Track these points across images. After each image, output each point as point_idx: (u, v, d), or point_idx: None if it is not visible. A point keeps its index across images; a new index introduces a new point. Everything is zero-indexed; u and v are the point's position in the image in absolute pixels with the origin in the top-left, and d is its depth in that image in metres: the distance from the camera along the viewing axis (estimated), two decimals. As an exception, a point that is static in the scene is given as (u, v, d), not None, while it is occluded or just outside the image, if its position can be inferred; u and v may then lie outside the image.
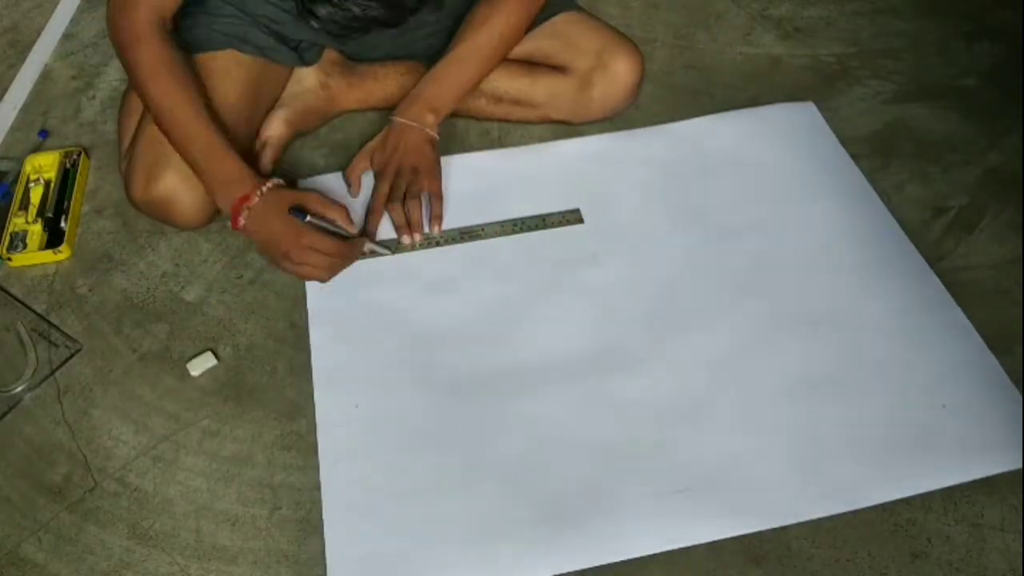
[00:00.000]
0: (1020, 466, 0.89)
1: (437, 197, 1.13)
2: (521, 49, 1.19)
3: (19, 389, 1.01)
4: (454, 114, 1.22)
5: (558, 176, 1.19)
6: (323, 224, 1.04)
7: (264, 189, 1.02)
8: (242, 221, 1.02)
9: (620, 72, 1.20)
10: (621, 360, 1.00)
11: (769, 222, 1.13)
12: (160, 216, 1.11)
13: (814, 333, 1.01)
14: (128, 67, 1.04)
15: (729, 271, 1.08)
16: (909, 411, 0.94)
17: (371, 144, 1.18)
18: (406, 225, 1.11)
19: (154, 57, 1.02)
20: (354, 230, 1.08)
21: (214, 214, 1.13)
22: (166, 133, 1.03)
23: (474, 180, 1.19)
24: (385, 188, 1.13)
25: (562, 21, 1.21)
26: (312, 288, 1.08)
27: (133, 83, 1.07)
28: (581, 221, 1.14)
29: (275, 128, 1.21)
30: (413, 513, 0.89)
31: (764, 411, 0.95)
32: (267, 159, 1.19)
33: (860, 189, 1.17)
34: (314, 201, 1.04)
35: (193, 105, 1.02)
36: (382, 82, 1.26)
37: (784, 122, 1.26)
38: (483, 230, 1.14)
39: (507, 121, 1.26)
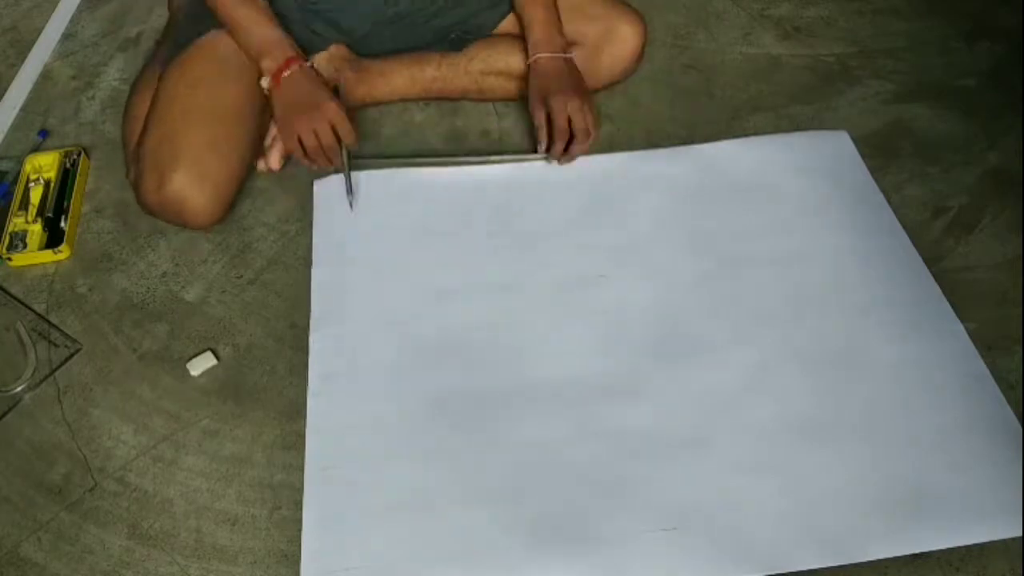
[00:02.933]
0: (1019, 534, 0.85)
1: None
2: None
3: (19, 389, 1.01)
4: (464, 97, 1.28)
5: (577, 191, 1.17)
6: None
7: (309, 62, 1.15)
8: (286, 74, 1.11)
9: (626, 38, 1.24)
10: (620, 386, 0.97)
11: (788, 254, 1.09)
12: (173, 217, 1.12)
13: (823, 374, 0.97)
14: None
15: (740, 302, 1.04)
16: (913, 466, 0.89)
17: (534, 93, 1.17)
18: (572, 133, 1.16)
19: None
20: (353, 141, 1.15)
21: (225, 212, 1.13)
22: (220, 16, 1.14)
23: (495, 193, 1.18)
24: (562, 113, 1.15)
25: None
26: (317, 292, 1.07)
27: None
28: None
29: None
30: (396, 529, 0.87)
31: (763, 452, 0.91)
32: (276, 154, 1.20)
33: (887, 225, 1.12)
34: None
35: None
36: (388, 76, 1.26)
37: (814, 150, 1.21)
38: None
39: (521, 96, 1.26)
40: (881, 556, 0.84)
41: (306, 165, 1.16)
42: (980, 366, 0.97)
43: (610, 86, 1.29)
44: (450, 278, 1.08)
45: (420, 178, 1.19)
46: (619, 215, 1.15)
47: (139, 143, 1.13)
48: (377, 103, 1.29)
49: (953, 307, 1.04)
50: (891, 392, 0.96)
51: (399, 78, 1.26)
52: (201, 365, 1.02)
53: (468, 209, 1.16)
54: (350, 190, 1.15)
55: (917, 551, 0.84)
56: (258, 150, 1.19)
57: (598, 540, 0.86)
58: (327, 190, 1.18)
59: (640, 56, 1.27)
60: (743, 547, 0.85)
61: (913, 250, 1.09)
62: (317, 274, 1.09)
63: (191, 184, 1.08)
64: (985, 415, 0.94)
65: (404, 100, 1.27)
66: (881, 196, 1.15)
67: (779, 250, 1.09)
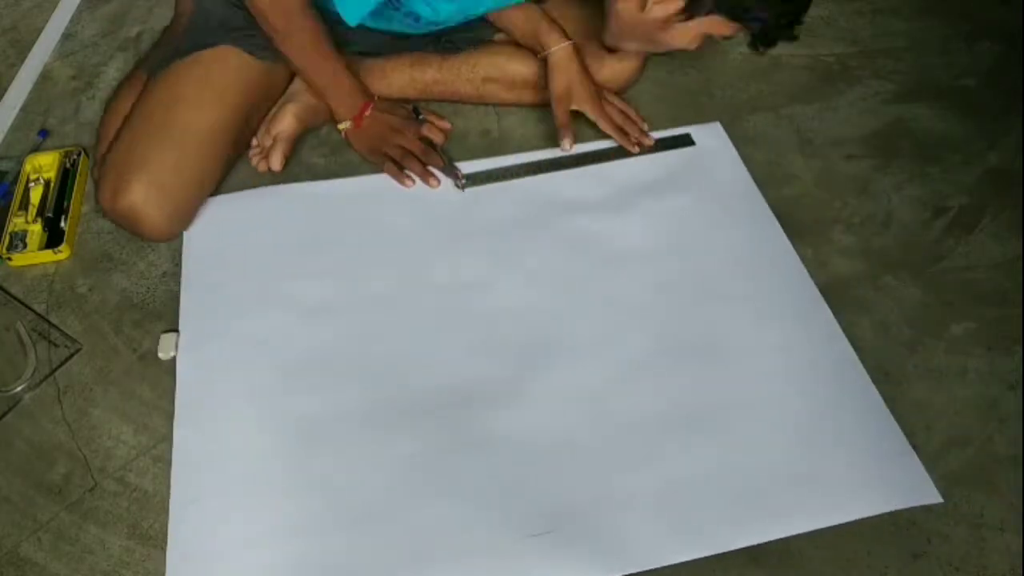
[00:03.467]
0: (898, 508, 0.87)
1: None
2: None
3: (19, 389, 1.01)
4: (463, 101, 1.29)
5: (449, 200, 1.17)
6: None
7: (377, 100, 1.20)
8: (365, 118, 1.17)
9: (630, 51, 1.21)
10: (494, 394, 0.96)
11: (660, 251, 1.10)
12: (128, 227, 1.11)
13: (695, 367, 0.98)
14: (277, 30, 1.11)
15: (614, 301, 1.05)
16: (783, 450, 0.91)
17: (556, 91, 1.19)
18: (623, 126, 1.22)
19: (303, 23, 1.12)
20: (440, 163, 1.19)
21: (182, 228, 1.13)
22: (297, 67, 1.17)
23: (366, 205, 1.17)
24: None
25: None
26: (184, 318, 1.05)
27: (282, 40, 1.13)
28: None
29: (285, 124, 1.21)
30: (268, 560, 0.85)
31: (636, 448, 0.92)
32: (278, 155, 1.20)
33: (760, 216, 1.14)
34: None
35: (324, 41, 1.14)
36: (389, 77, 1.26)
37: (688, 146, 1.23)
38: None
39: (519, 105, 1.28)
40: (753, 542, 0.85)
41: (406, 182, 1.18)
42: (846, 347, 1.00)
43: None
44: (320, 294, 1.06)
45: (288, 193, 1.18)
46: (494, 223, 1.14)
47: (109, 147, 1.13)
48: None
49: (953, 307, 1.04)
50: (760, 379, 0.98)
51: (399, 78, 1.26)
52: (168, 346, 1.02)
53: (338, 223, 1.15)
54: (459, 175, 1.19)
55: (788, 534, 0.86)
56: (227, 172, 1.19)
57: (475, 551, 0.85)
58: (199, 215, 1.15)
59: (641, 70, 1.27)
60: (618, 545, 0.85)
61: (784, 239, 1.11)
62: (184, 300, 1.07)
63: (148, 200, 1.07)
64: (850, 396, 0.96)
65: (404, 100, 1.27)
66: (755, 187, 1.17)
67: (652, 248, 1.11)
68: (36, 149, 1.28)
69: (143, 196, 1.07)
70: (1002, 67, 1.34)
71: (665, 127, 1.26)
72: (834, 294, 1.06)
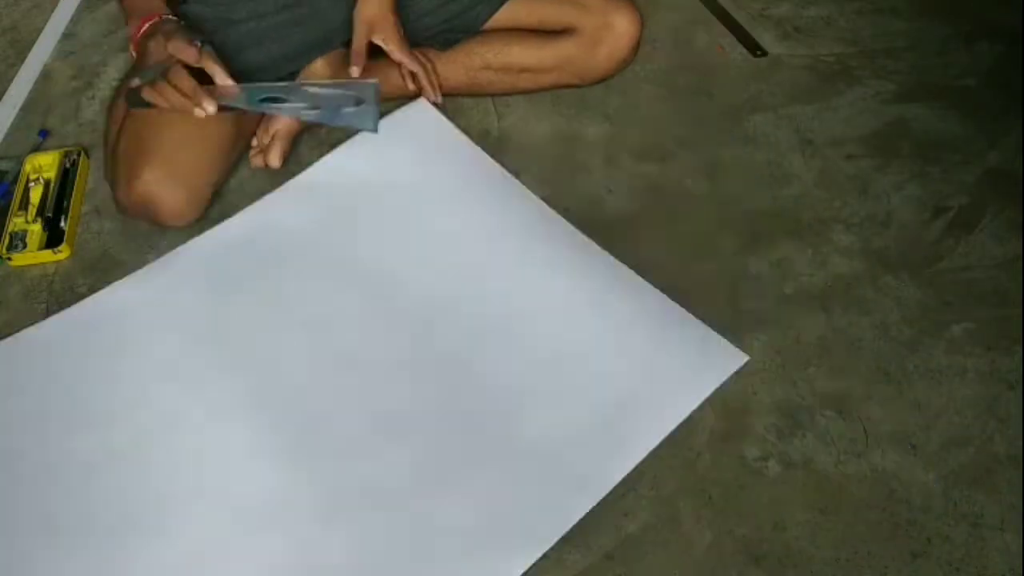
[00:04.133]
0: (717, 384, 0.96)
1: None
2: (532, 17, 1.24)
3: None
4: (457, 92, 1.27)
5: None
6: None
7: (167, 16, 1.08)
8: (143, 29, 1.07)
9: (624, 28, 1.23)
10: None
11: (408, 241, 1.11)
12: (147, 215, 1.12)
13: (490, 340, 1.01)
14: None
15: (406, 312, 1.04)
16: (609, 382, 0.97)
17: (361, 16, 1.18)
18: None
19: None
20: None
21: (200, 212, 1.14)
22: None
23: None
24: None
25: None
26: None
27: None
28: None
29: (283, 121, 1.21)
30: None
31: (451, 456, 0.92)
32: (276, 152, 1.20)
33: (495, 178, 1.16)
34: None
35: None
36: (384, 71, 1.25)
37: (400, 130, 1.20)
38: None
39: (515, 91, 1.28)
40: (624, 474, 0.90)
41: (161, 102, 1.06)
42: (611, 261, 1.06)
43: (605, 79, 1.29)
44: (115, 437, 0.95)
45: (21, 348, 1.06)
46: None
47: (115, 144, 1.13)
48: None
49: (952, 307, 1.04)
50: (554, 323, 1.02)
51: (394, 73, 1.26)
52: None
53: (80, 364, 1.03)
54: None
55: (647, 452, 0.92)
56: (240, 149, 1.20)
57: None
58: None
59: (636, 47, 1.28)
60: (527, 523, 0.88)
61: (521, 187, 1.15)
62: None
63: (161, 181, 1.08)
64: (638, 305, 1.03)
65: (401, 96, 1.27)
66: (478, 150, 1.19)
67: (399, 239, 1.11)
68: (36, 149, 1.28)
69: (156, 179, 1.08)
70: (1002, 67, 1.33)
71: (665, 127, 1.27)
72: (834, 294, 1.06)
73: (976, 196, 1.17)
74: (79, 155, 1.24)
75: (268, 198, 1.16)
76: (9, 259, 1.13)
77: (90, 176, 1.25)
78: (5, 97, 1.38)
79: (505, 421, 0.95)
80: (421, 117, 1.22)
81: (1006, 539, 0.86)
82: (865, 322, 1.04)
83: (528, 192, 1.15)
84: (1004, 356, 0.99)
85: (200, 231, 1.14)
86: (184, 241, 1.15)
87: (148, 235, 1.16)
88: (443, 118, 1.22)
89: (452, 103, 1.29)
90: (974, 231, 1.13)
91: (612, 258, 1.07)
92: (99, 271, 1.13)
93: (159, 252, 1.14)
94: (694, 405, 0.95)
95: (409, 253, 1.10)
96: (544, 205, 1.13)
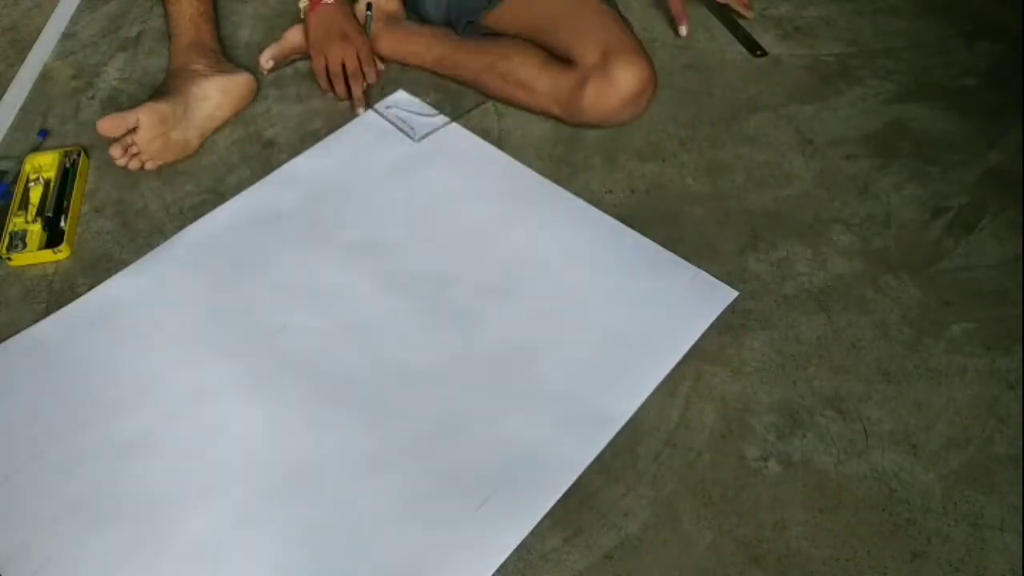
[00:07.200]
0: (711, 320, 1.02)
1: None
2: (530, 14, 1.23)
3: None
4: (463, 82, 1.31)
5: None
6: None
7: None
8: (325, 6, 1.27)
9: (618, 79, 1.15)
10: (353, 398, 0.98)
11: (409, 212, 1.16)
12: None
13: (514, 303, 1.06)
14: None
15: (416, 278, 1.09)
16: (608, 327, 1.03)
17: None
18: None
19: None
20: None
21: None
22: None
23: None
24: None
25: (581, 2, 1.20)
26: None
27: None
28: None
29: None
30: None
31: (475, 402, 0.97)
32: (268, 55, 1.34)
33: (486, 152, 1.22)
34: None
35: None
36: (414, 37, 1.33)
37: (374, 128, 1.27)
38: None
39: (511, 102, 1.28)
40: (633, 410, 0.95)
41: (325, 90, 1.29)
42: (605, 218, 1.13)
43: (594, 127, 1.22)
44: (121, 430, 0.96)
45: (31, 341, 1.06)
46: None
47: None
48: (396, 60, 1.35)
49: (952, 307, 1.04)
50: (561, 283, 1.08)
51: (420, 40, 1.32)
52: None
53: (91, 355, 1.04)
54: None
55: (655, 385, 0.97)
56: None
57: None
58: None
59: (637, 104, 1.18)
60: (546, 472, 0.91)
61: (516, 163, 1.20)
62: None
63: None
64: (627, 254, 1.10)
65: (420, 67, 1.33)
66: (450, 121, 1.26)
67: (422, 226, 1.16)
68: (36, 149, 1.28)
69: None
70: (1002, 67, 1.34)
71: (665, 127, 1.27)
72: (834, 294, 1.07)
73: (976, 196, 1.17)
74: (79, 155, 1.24)
75: (254, 187, 1.20)
76: (9, 259, 1.13)
77: (90, 176, 1.25)
78: (5, 97, 1.38)
79: (520, 369, 1.00)
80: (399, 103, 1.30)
81: (1006, 539, 0.86)
82: (865, 322, 1.04)
83: (516, 163, 1.20)
84: (1004, 356, 0.99)
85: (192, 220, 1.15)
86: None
87: (148, 235, 1.17)
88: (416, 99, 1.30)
89: (452, 103, 1.30)
90: (974, 231, 1.13)
91: (605, 215, 1.14)
92: (99, 271, 1.13)
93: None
94: (692, 339, 1.01)
95: (410, 224, 1.15)
96: (534, 174, 1.19)
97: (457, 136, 1.25)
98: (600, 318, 1.05)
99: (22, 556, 0.87)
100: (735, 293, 1.05)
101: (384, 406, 0.97)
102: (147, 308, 1.07)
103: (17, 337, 1.06)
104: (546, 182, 1.18)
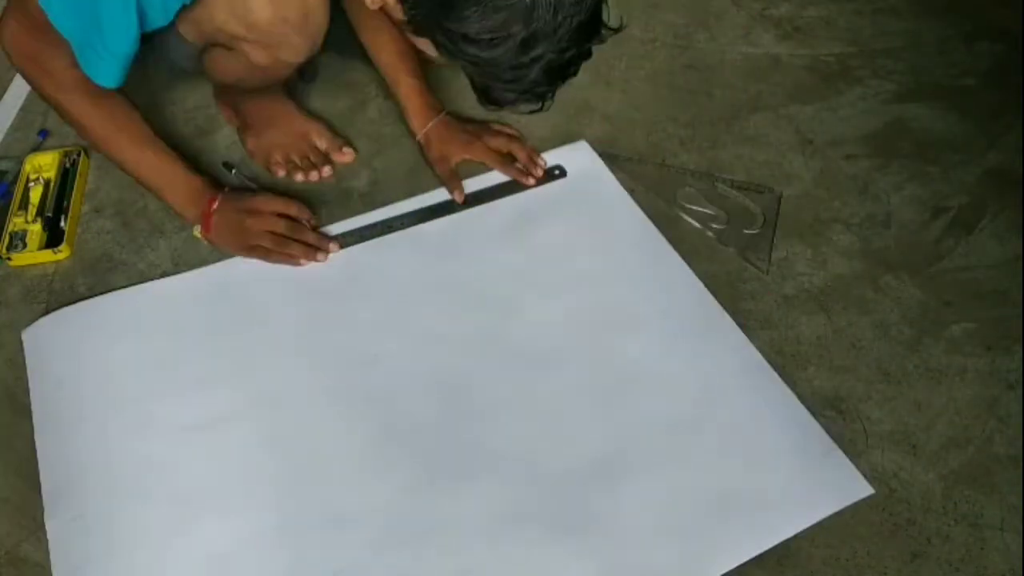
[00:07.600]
0: (834, 511, 0.87)
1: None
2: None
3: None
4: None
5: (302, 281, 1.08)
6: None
7: (225, 191, 1.09)
8: (215, 214, 1.08)
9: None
10: (422, 468, 0.91)
11: (556, 287, 1.06)
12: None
13: (615, 405, 0.95)
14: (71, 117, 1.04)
15: (519, 350, 1.00)
16: (724, 475, 0.90)
17: (432, 157, 1.20)
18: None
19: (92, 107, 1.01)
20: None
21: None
22: (117, 162, 1.08)
23: (215, 297, 1.07)
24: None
25: None
26: (45, 464, 0.93)
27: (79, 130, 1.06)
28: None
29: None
30: None
31: (571, 507, 0.87)
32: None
33: (646, 234, 1.12)
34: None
35: (142, 133, 1.06)
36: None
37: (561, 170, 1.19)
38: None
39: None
40: (727, 569, 0.83)
41: (295, 263, 1.08)
42: (754, 355, 0.99)
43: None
44: (192, 411, 0.95)
45: (137, 298, 1.07)
46: (378, 286, 1.07)
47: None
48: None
49: (952, 307, 1.04)
50: (684, 407, 0.95)
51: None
52: None
53: (204, 322, 1.04)
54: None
55: (736, 564, 0.83)
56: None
57: None
58: (39, 336, 1.04)
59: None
60: None
61: (675, 254, 1.09)
62: (40, 443, 0.95)
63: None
64: (774, 408, 0.95)
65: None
66: (631, 201, 1.15)
67: (551, 287, 1.06)
68: (36, 149, 1.28)
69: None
70: (1002, 67, 1.34)
71: (666, 127, 1.27)
72: (834, 294, 1.07)
73: (976, 196, 1.17)
74: (79, 155, 1.24)
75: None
76: (9, 259, 1.13)
77: (90, 176, 1.25)
78: (5, 97, 1.37)
79: (605, 485, 0.89)
80: (583, 162, 1.21)
81: (1006, 539, 0.86)
82: (865, 322, 1.04)
83: (677, 258, 1.09)
84: (1004, 356, 1.00)
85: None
86: (185, 242, 1.15)
87: (148, 235, 1.16)
88: (601, 163, 1.20)
89: (452, 103, 1.29)
90: (974, 231, 1.13)
91: (754, 349, 1.00)
92: (99, 271, 1.13)
93: (159, 252, 1.14)
94: (801, 527, 0.86)
95: (531, 285, 1.07)
96: (690, 272, 1.07)
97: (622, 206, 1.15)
98: (708, 458, 0.91)
99: (66, 498, 0.89)
100: (870, 490, 0.88)
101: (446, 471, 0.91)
102: (265, 294, 1.06)
103: (145, 286, 1.08)
104: (707, 294, 1.05)
